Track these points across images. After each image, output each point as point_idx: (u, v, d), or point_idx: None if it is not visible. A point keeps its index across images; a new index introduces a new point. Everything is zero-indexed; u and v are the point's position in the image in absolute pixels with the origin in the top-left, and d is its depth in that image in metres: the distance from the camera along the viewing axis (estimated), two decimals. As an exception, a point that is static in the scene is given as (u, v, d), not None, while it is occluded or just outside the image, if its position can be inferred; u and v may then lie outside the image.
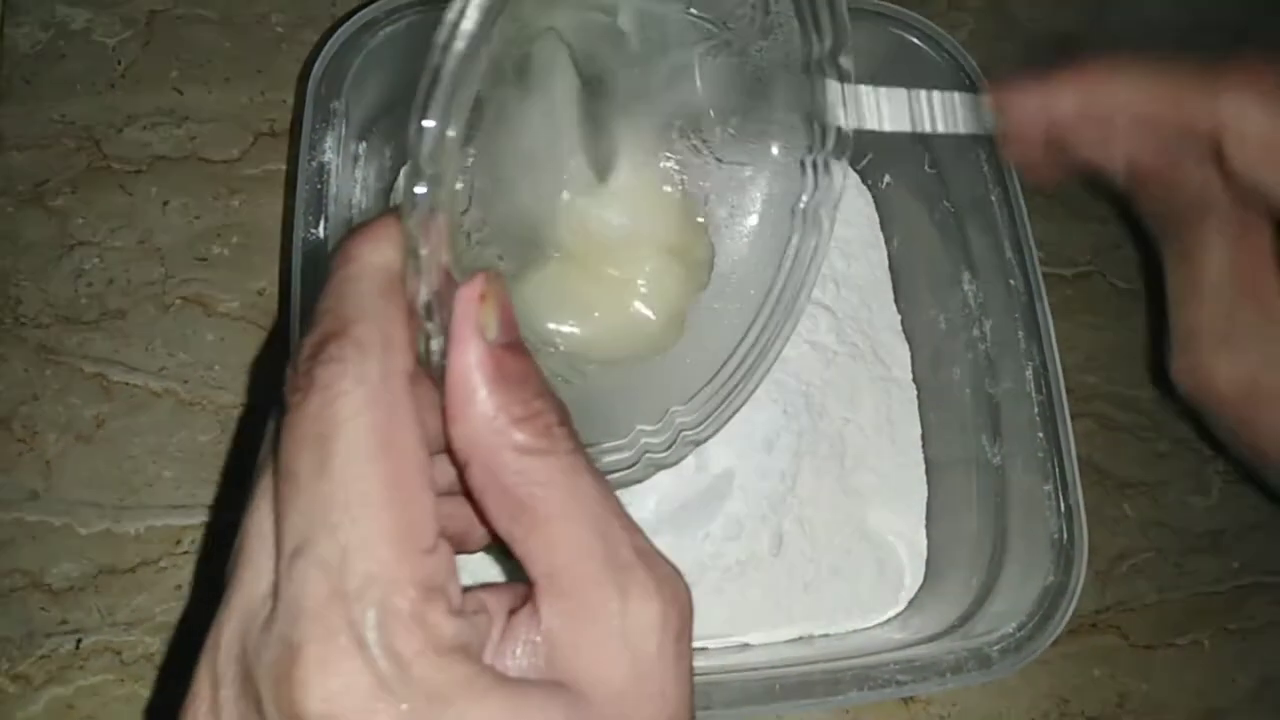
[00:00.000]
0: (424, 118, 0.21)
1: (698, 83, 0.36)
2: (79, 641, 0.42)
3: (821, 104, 0.36)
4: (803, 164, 0.38)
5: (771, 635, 0.43)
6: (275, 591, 0.20)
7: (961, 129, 0.35)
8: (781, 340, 0.39)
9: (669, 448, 0.38)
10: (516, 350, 0.22)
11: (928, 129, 0.36)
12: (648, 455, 0.37)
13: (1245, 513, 0.52)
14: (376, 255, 0.22)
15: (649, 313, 0.37)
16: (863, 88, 0.36)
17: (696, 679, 0.36)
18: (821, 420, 0.46)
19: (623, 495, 0.44)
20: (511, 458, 0.21)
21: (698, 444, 0.39)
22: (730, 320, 0.40)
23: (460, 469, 0.22)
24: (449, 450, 0.22)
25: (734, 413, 0.39)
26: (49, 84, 0.49)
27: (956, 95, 0.36)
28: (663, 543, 0.44)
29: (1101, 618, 0.49)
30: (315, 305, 0.22)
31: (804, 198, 0.39)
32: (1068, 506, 0.38)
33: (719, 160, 0.39)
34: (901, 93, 0.36)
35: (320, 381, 0.20)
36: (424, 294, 0.22)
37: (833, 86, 0.35)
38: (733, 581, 0.43)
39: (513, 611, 0.22)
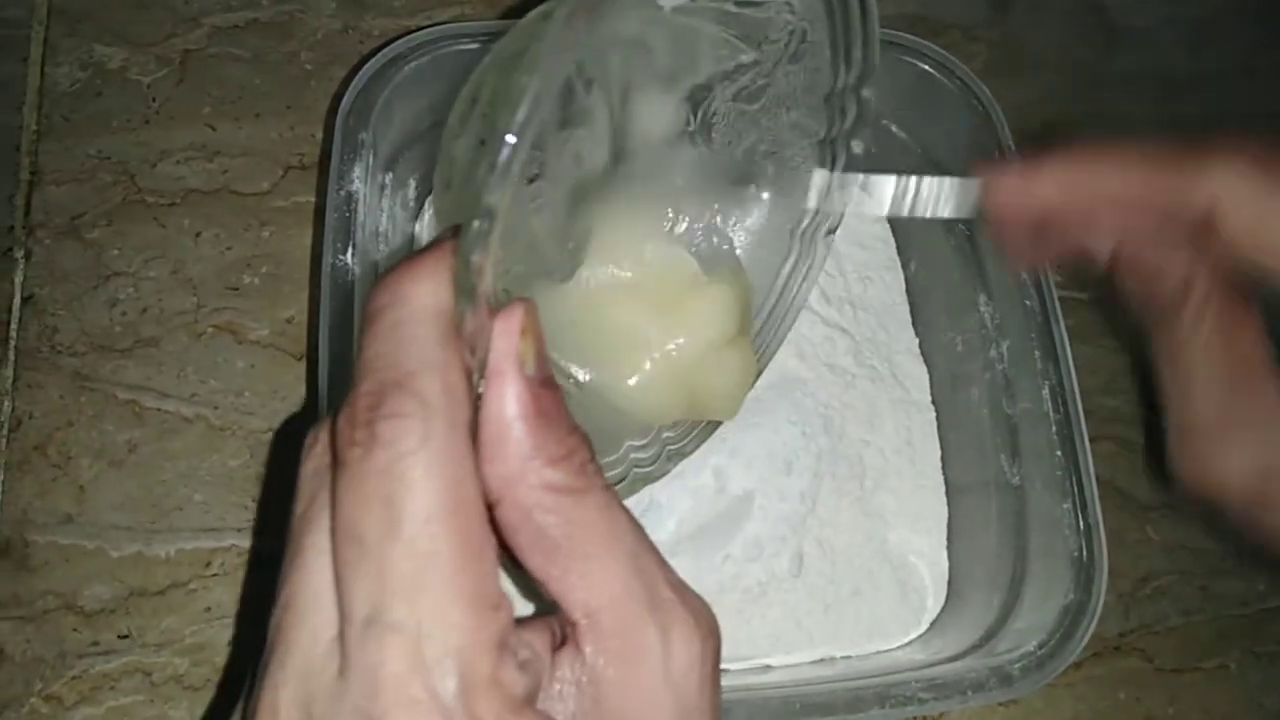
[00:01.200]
0: (493, 168, 0.21)
1: (717, 99, 0.37)
2: (128, 651, 0.42)
3: (837, 131, 0.37)
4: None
5: (793, 657, 0.43)
6: (343, 657, 0.19)
7: (946, 213, 0.35)
8: (766, 358, 0.40)
9: (654, 462, 0.38)
10: (551, 385, 0.22)
11: (912, 213, 0.36)
12: (635, 470, 0.38)
13: (1269, 535, 0.52)
14: (429, 296, 0.21)
15: (716, 404, 0.37)
16: (850, 176, 0.36)
17: (718, 696, 0.36)
18: (840, 442, 0.47)
19: (644, 517, 0.45)
20: (548, 498, 0.21)
21: (683, 456, 0.39)
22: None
23: (491, 505, 0.22)
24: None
25: (716, 427, 0.40)
26: (86, 121, 0.50)
27: (945, 181, 0.35)
28: (683, 564, 0.45)
29: (1126, 641, 0.49)
30: (365, 348, 0.21)
31: (804, 221, 0.39)
32: (1087, 525, 0.38)
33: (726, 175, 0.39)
34: (890, 179, 0.36)
35: (383, 438, 0.20)
36: (471, 329, 0.21)
37: (821, 174, 0.36)
38: (753, 603, 0.44)
39: (554, 650, 0.22)
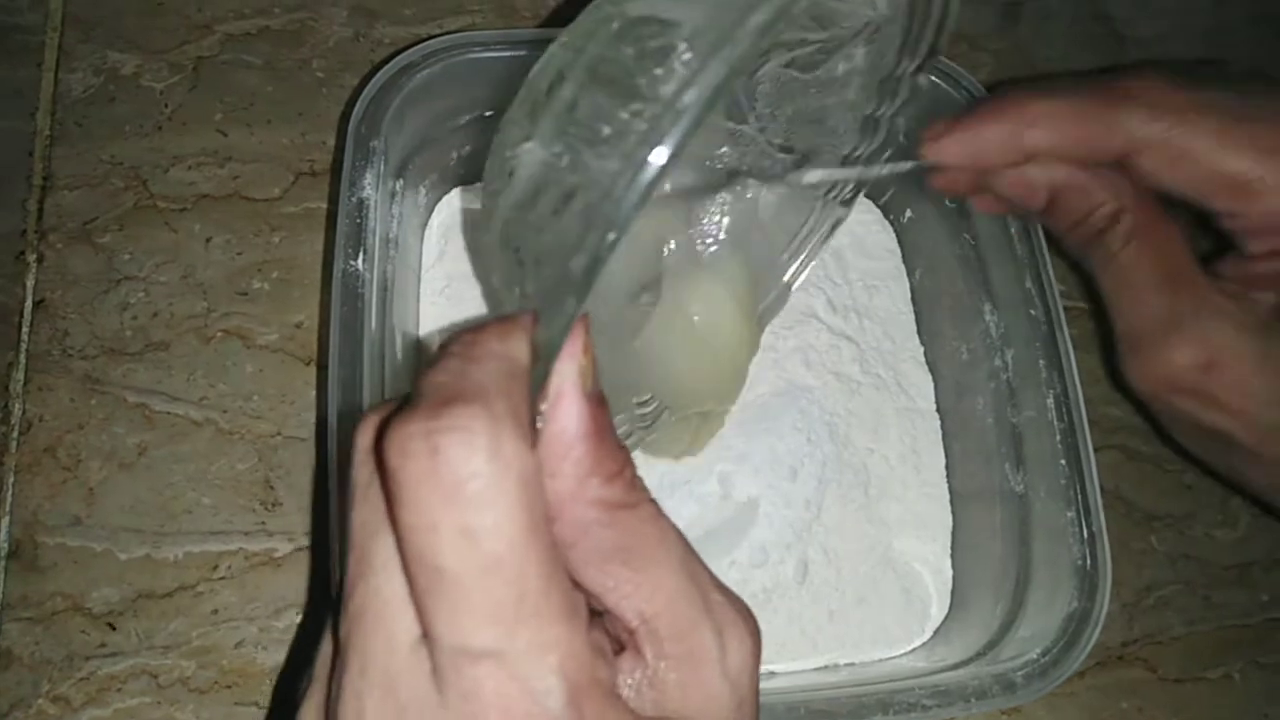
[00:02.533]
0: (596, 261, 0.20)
1: (771, 63, 0.37)
2: (135, 653, 0.43)
3: (885, 110, 0.37)
4: (843, 159, 0.39)
5: (797, 664, 0.44)
6: (437, 678, 0.20)
7: (902, 170, 0.38)
8: (766, 321, 0.41)
9: (656, 420, 0.39)
10: (603, 401, 0.22)
11: (870, 176, 0.39)
12: (639, 429, 0.38)
13: (1274, 545, 0.52)
14: (501, 345, 0.21)
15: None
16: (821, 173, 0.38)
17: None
18: (846, 450, 0.47)
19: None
20: (606, 514, 0.21)
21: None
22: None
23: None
24: None
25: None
26: (99, 126, 0.51)
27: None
28: (689, 569, 0.45)
29: (1129, 650, 0.49)
30: (423, 379, 0.21)
31: (834, 190, 0.39)
32: (1090, 533, 0.38)
33: (761, 132, 0.39)
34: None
35: (448, 456, 0.19)
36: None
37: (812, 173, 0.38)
38: (759, 609, 0.43)
39: (614, 653, 0.22)
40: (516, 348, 0.21)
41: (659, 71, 0.21)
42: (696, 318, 0.37)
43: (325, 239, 0.50)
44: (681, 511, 0.44)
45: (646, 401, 0.39)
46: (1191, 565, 0.51)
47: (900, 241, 0.51)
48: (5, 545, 0.44)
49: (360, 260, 0.38)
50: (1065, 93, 0.36)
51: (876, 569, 0.45)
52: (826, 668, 0.44)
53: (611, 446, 0.22)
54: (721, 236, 0.38)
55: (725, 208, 0.38)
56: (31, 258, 0.48)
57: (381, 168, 0.40)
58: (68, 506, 0.44)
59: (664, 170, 0.20)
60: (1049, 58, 0.60)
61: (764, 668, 0.43)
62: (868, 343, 0.49)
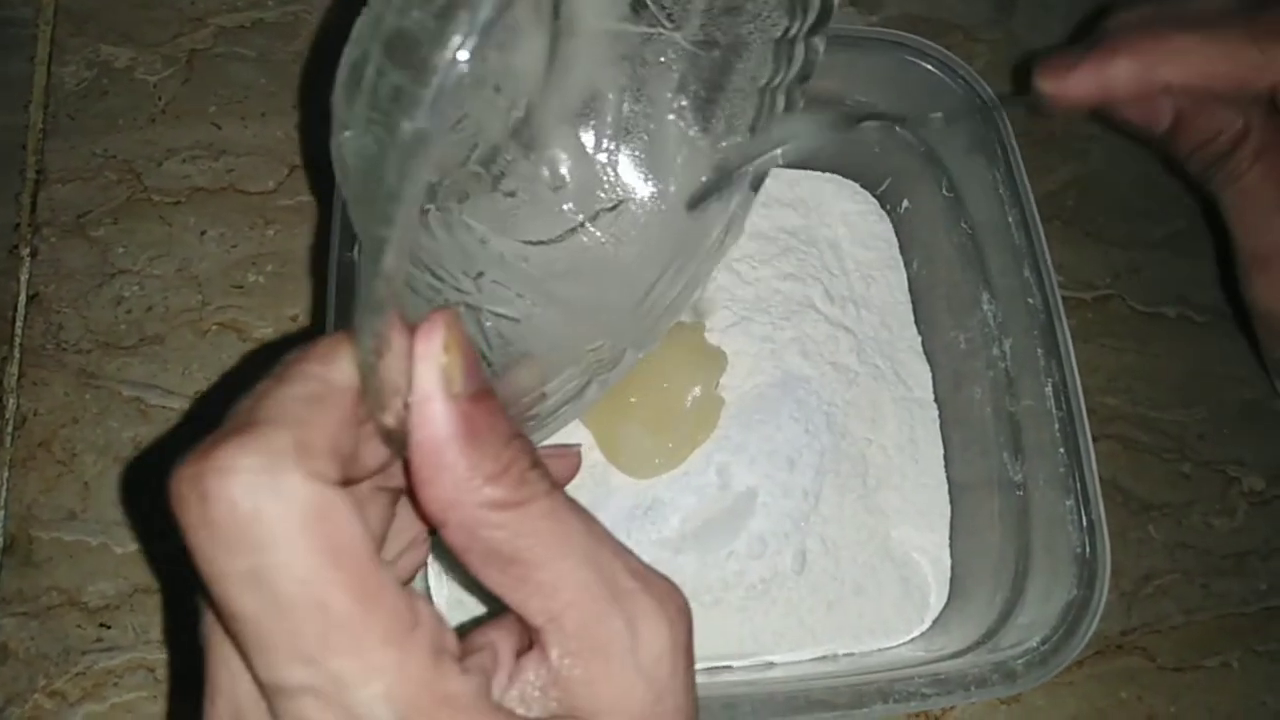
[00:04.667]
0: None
1: None
2: (132, 648, 0.43)
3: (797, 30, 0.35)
4: (775, 43, 0.36)
5: (796, 654, 0.43)
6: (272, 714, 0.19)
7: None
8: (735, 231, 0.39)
9: (615, 365, 0.38)
10: (484, 398, 0.21)
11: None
12: (598, 378, 0.37)
13: (1271, 535, 0.52)
14: (321, 366, 0.20)
15: None
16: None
17: (721, 692, 0.36)
18: (844, 440, 0.47)
19: (647, 515, 0.45)
20: (493, 515, 0.21)
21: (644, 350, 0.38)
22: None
23: (436, 529, 0.21)
24: (417, 510, 0.21)
25: (673, 321, 0.39)
26: (93, 120, 0.50)
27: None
28: (687, 561, 0.45)
29: (1128, 639, 0.49)
30: (232, 405, 0.20)
31: (775, 78, 0.36)
32: (1089, 522, 0.38)
33: (678, 31, 0.37)
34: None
35: (218, 500, 0.18)
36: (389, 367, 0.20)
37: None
38: (757, 600, 0.44)
39: (519, 653, 0.22)
40: (336, 369, 0.20)
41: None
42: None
43: (319, 232, 0.49)
44: (679, 502, 0.44)
45: (599, 348, 0.38)
46: (1189, 554, 0.51)
47: (897, 231, 0.51)
48: (0, 540, 0.43)
49: (356, 250, 0.38)
50: (1203, 27, 0.34)
51: (875, 559, 0.45)
52: (825, 658, 0.44)
53: (491, 445, 0.21)
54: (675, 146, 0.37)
55: (670, 120, 0.37)
56: (25, 252, 0.48)
57: (377, 158, 0.40)
58: (63, 501, 0.44)
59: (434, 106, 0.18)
60: (1044, 47, 0.60)
61: (763, 658, 0.43)
62: (865, 333, 0.49)
